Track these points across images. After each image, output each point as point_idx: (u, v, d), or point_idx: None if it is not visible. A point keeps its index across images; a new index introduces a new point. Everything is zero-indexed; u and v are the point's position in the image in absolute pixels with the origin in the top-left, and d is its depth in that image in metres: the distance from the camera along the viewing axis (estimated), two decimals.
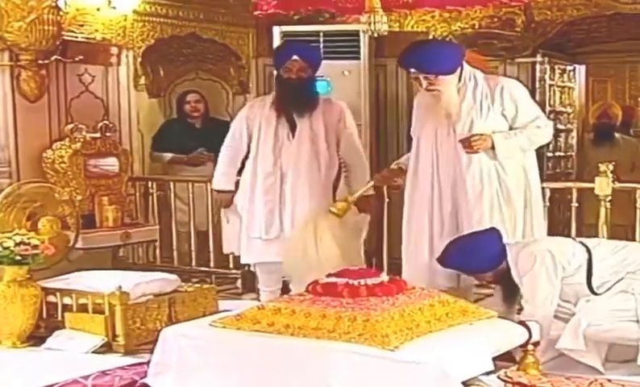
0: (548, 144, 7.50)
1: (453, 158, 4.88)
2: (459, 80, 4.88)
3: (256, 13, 6.52)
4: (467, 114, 4.85)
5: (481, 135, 4.80)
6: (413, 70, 4.89)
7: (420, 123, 5.07)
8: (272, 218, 5.49)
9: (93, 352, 5.01)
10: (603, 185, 5.43)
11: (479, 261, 4.58)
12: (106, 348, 5.06)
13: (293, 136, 5.51)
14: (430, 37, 7.66)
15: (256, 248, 5.59)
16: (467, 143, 4.79)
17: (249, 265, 6.05)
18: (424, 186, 4.98)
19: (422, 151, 5.01)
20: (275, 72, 5.80)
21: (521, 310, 4.57)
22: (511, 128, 4.92)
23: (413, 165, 5.08)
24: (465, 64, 4.93)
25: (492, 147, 4.82)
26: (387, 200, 6.36)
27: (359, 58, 7.64)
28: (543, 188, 5.70)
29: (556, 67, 8.03)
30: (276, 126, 5.52)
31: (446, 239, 4.85)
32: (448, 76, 4.82)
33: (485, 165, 4.84)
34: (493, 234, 4.66)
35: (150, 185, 7.14)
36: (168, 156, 7.51)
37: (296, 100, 5.49)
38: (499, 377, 3.72)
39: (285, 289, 5.68)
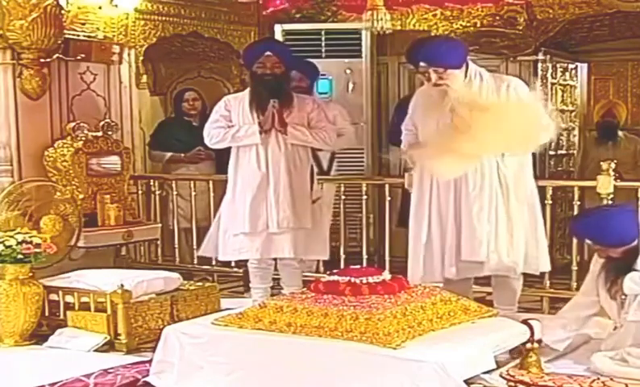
0: (550, 142, 7.52)
1: None
2: (465, 76, 4.90)
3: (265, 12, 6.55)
4: None
5: None
6: (422, 64, 4.87)
7: (422, 119, 5.07)
8: (259, 212, 5.49)
9: (96, 351, 5.02)
10: (605, 184, 5.43)
11: (613, 235, 4.50)
12: (109, 347, 5.07)
13: (272, 131, 5.52)
14: (432, 35, 7.66)
15: (239, 245, 5.60)
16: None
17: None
18: (427, 181, 5.00)
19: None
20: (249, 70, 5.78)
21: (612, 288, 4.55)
22: None
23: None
24: (470, 62, 4.96)
25: None
26: (388, 198, 6.36)
27: (360, 56, 7.64)
28: (545, 186, 5.73)
29: (558, 65, 8.02)
30: (256, 122, 5.53)
31: (445, 231, 4.90)
32: (457, 71, 4.85)
33: (487, 162, 4.87)
34: (629, 211, 4.66)
35: (152, 183, 7.14)
36: (167, 154, 7.50)
37: (273, 95, 5.50)
38: (501, 375, 3.72)
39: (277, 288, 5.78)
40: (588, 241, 4.71)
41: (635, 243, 4.46)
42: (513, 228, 4.91)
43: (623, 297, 4.45)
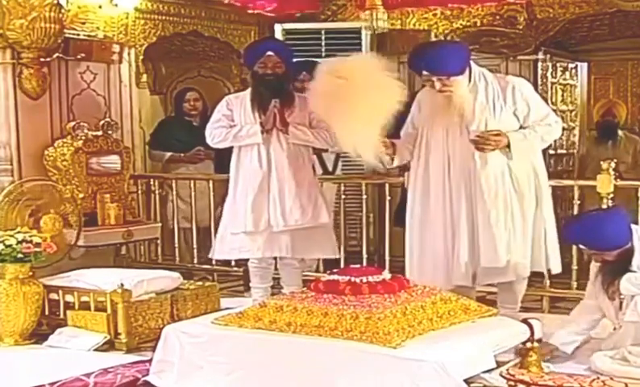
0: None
1: (466, 158, 4.86)
2: (470, 80, 4.87)
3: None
4: (480, 114, 4.84)
5: (498, 133, 4.81)
6: (425, 73, 4.85)
7: (427, 123, 5.04)
8: (261, 211, 5.49)
9: (96, 350, 5.01)
10: (605, 183, 5.42)
11: (606, 239, 4.47)
12: (109, 346, 5.07)
13: (274, 131, 5.52)
14: (432, 35, 7.67)
15: (240, 244, 5.60)
16: (482, 141, 4.79)
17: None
18: (436, 187, 4.96)
19: (433, 152, 4.98)
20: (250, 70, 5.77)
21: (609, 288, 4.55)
22: (521, 126, 4.92)
23: (422, 165, 5.03)
24: (473, 64, 4.93)
25: (507, 146, 4.82)
26: (388, 198, 6.36)
27: None
28: None
29: (558, 65, 8.03)
30: (257, 121, 5.52)
31: (461, 238, 4.86)
32: (460, 77, 4.82)
33: (499, 165, 4.85)
34: (620, 213, 4.64)
35: (152, 182, 7.15)
36: (167, 154, 7.50)
37: (275, 94, 5.50)
38: (501, 375, 3.72)
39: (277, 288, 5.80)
40: (582, 246, 4.72)
41: (629, 244, 4.47)
42: (527, 230, 4.91)
43: (622, 297, 4.45)
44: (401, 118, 5.39)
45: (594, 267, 4.66)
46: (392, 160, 5.14)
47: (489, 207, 4.82)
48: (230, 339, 4.13)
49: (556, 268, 5.12)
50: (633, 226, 4.54)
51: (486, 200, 4.82)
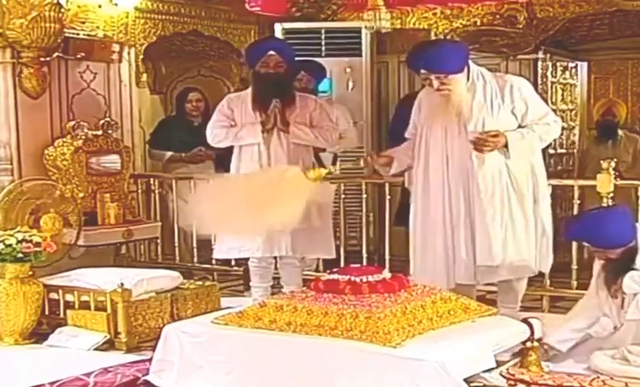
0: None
1: (465, 156, 4.86)
2: (468, 79, 4.87)
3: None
4: (478, 112, 4.83)
5: (496, 133, 4.81)
6: (423, 71, 4.85)
7: (426, 122, 5.04)
8: None
9: (96, 349, 5.02)
10: (605, 183, 5.42)
11: (610, 237, 4.47)
12: (108, 345, 5.07)
13: (275, 130, 5.53)
14: (432, 34, 7.67)
15: (239, 243, 5.60)
16: (480, 143, 4.79)
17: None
18: (436, 186, 4.95)
19: (432, 151, 4.97)
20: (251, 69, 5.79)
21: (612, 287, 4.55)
22: (520, 125, 4.91)
23: (422, 165, 5.03)
24: (471, 63, 4.93)
25: (505, 146, 4.82)
26: (388, 197, 6.36)
27: (360, 55, 7.64)
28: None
29: (558, 64, 8.02)
30: (258, 120, 5.53)
31: (461, 236, 4.87)
32: (458, 75, 4.82)
33: (496, 164, 4.84)
34: (625, 211, 4.64)
35: (152, 182, 7.14)
36: (167, 153, 7.50)
37: (276, 94, 5.50)
38: (501, 374, 3.72)
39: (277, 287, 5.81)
40: (585, 244, 4.72)
41: (633, 242, 4.47)
42: (529, 229, 4.91)
43: (624, 295, 4.45)
44: (402, 119, 5.39)
45: (597, 264, 4.67)
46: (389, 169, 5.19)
47: (485, 206, 4.82)
48: (230, 339, 4.13)
49: (545, 269, 5.16)
50: (637, 224, 4.54)
51: (482, 198, 4.83)
